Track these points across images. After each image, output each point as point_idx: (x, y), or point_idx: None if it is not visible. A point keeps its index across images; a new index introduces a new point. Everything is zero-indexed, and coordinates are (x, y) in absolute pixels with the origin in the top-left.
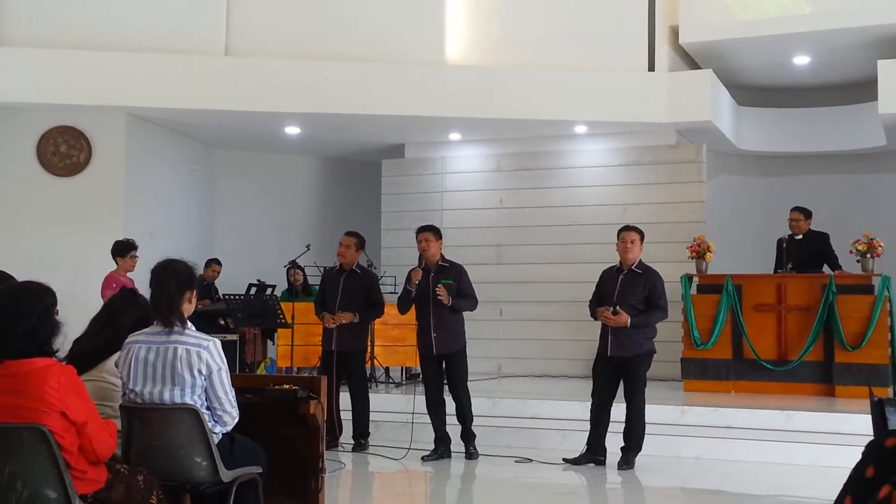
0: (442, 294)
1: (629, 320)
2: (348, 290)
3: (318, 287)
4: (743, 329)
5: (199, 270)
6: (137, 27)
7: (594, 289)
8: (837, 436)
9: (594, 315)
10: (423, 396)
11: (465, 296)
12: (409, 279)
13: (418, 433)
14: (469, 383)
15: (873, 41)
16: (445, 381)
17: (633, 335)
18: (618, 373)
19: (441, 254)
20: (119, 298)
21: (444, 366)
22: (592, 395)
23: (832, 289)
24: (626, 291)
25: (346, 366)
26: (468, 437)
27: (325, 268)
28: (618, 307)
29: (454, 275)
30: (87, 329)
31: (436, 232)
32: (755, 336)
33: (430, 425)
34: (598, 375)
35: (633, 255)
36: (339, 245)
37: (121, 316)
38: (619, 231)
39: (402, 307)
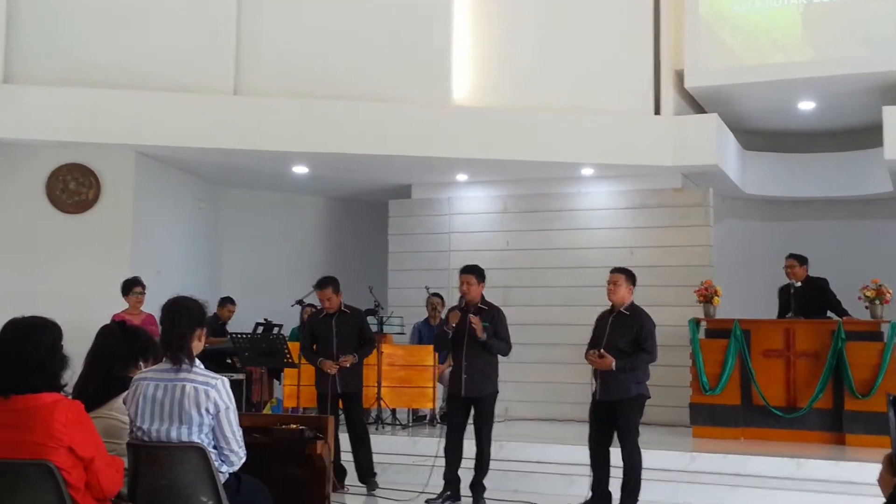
0: (477, 325)
1: (614, 363)
2: (343, 333)
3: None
4: (752, 374)
5: (210, 309)
6: (147, 66)
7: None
8: (849, 485)
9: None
10: (432, 438)
11: (499, 338)
12: (446, 321)
13: (423, 476)
14: None
15: (878, 87)
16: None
17: (620, 379)
18: (609, 417)
19: (482, 295)
20: (101, 333)
21: (471, 409)
22: (588, 440)
23: (841, 335)
24: (615, 334)
25: (346, 407)
26: (478, 488)
27: (312, 311)
28: (602, 350)
29: (492, 317)
30: (83, 368)
31: (478, 274)
32: (764, 382)
33: (439, 467)
34: (592, 420)
35: (617, 297)
36: (320, 300)
37: (104, 350)
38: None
39: (438, 347)
